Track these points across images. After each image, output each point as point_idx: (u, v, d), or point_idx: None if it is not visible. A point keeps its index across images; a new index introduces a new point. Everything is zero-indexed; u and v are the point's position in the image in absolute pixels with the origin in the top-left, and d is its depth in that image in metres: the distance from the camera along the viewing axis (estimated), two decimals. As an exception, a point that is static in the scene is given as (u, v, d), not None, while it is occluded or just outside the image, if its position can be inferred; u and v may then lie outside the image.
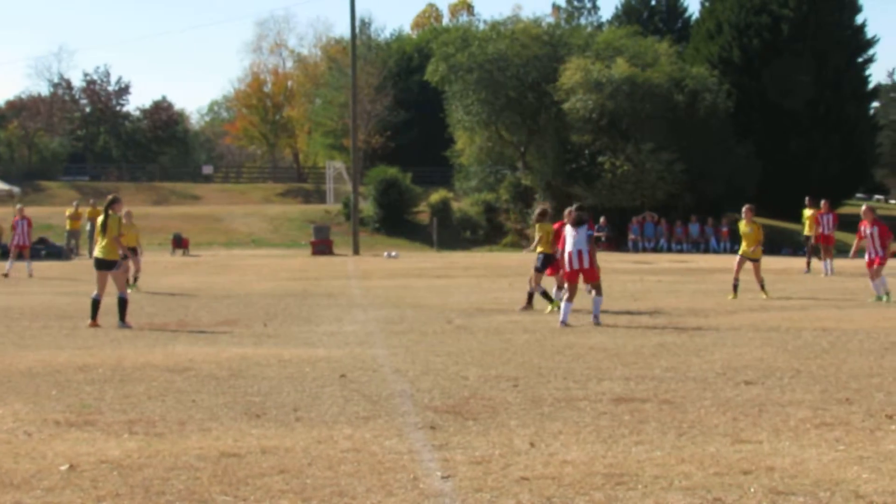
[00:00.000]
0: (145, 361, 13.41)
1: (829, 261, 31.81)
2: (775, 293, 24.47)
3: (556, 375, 12.15)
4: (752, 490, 7.22)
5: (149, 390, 11.28)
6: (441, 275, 33.43)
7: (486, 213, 61.05)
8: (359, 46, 67.79)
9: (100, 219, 18.55)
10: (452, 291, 25.98)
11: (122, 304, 18.07)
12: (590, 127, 57.01)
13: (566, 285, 18.59)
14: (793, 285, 27.82)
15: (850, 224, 37.87)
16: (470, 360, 13.46)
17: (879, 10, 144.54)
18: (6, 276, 31.60)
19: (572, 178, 56.61)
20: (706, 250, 53.37)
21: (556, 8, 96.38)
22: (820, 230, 32.84)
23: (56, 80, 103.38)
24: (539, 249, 20.98)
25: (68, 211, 47.08)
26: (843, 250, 38.58)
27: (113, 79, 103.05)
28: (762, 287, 23.57)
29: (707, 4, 68.23)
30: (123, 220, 27.09)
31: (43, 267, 36.23)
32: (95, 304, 18.01)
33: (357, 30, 62.97)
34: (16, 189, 51.53)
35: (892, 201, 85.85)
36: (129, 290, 23.13)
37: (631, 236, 53.89)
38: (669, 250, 53.28)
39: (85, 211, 42.85)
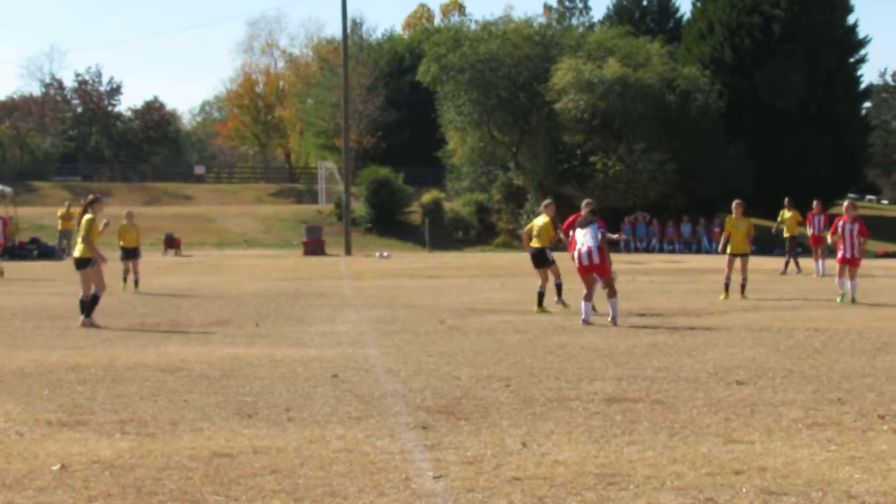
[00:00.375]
0: (137, 361, 13.39)
1: (821, 261, 31.80)
2: (768, 294, 24.54)
3: (548, 375, 12.15)
4: (744, 490, 7.22)
5: (141, 390, 11.26)
6: (433, 275, 33.44)
7: (478, 213, 61.09)
8: (350, 47, 67.80)
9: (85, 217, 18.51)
10: (444, 292, 25.98)
11: (94, 300, 18.00)
12: (582, 127, 57.06)
13: (584, 283, 18.53)
14: (784, 285, 27.87)
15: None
16: (462, 360, 13.46)
17: (871, 11, 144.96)
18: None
19: (564, 179, 56.65)
20: (698, 250, 53.49)
21: (547, 8, 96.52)
22: (812, 231, 32.83)
23: (48, 80, 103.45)
24: (536, 244, 20.72)
25: (60, 211, 47.05)
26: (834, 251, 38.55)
27: (105, 79, 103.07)
28: (743, 288, 23.42)
29: (699, 4, 68.34)
30: (124, 221, 27.26)
31: (35, 267, 36.20)
32: (83, 304, 18.01)
33: (348, 30, 62.95)
34: (8, 189, 51.35)
35: (885, 201, 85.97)
36: (122, 290, 23.17)
37: (623, 236, 53.92)
38: (661, 250, 53.37)
39: (77, 211, 42.81)
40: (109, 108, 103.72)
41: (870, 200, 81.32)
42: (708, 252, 51.70)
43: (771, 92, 59.88)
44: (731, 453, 8.26)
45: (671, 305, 21.63)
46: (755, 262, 28.31)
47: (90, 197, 19.27)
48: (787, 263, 33.22)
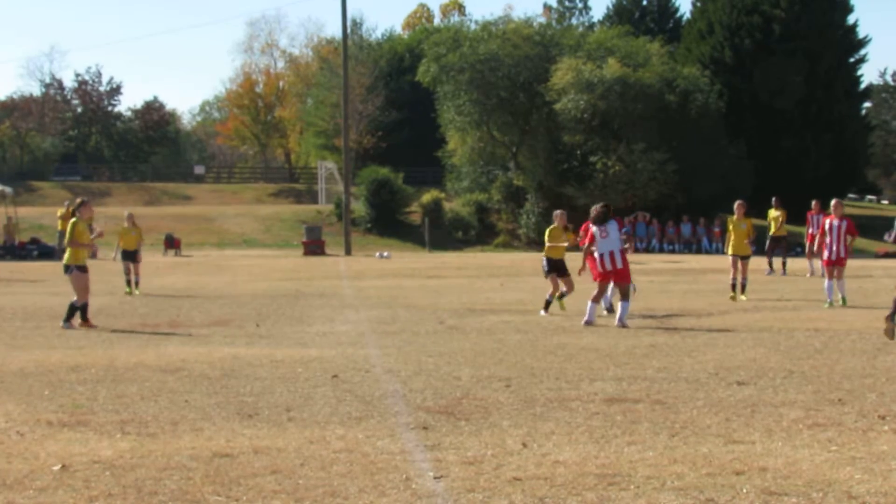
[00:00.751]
0: (138, 361, 13.39)
1: (815, 260, 31.67)
2: (768, 294, 24.52)
3: (548, 376, 12.15)
4: (745, 490, 7.22)
5: (141, 390, 11.26)
6: (433, 275, 33.44)
7: (478, 213, 61.11)
8: (350, 47, 67.79)
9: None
10: (444, 292, 25.97)
11: (71, 309, 17.89)
12: (581, 127, 57.06)
13: (597, 286, 18.47)
14: (785, 285, 27.87)
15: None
16: (462, 361, 13.45)
17: (871, 10, 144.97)
18: None
19: (564, 179, 56.65)
20: (698, 250, 53.49)
21: (547, 8, 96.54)
22: (810, 231, 32.67)
23: (48, 80, 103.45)
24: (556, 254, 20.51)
25: (60, 211, 47.04)
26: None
27: (104, 79, 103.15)
28: (743, 288, 23.34)
29: (699, 4, 68.36)
30: (126, 224, 27.18)
31: (35, 267, 36.20)
32: (71, 307, 17.96)
33: (348, 30, 62.93)
34: (8, 189, 51.35)
35: (885, 201, 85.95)
36: (128, 293, 23.17)
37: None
38: (661, 250, 53.36)
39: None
40: (109, 108, 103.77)
41: (870, 200, 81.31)
42: (708, 252, 51.73)
43: (771, 92, 59.88)
44: (732, 454, 8.26)
45: (671, 306, 21.63)
46: (756, 262, 28.24)
47: (77, 200, 19.16)
48: (770, 263, 33.09)
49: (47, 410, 10.17)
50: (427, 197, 61.26)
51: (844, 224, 22.11)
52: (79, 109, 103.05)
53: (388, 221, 60.87)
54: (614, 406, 10.27)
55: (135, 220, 27.59)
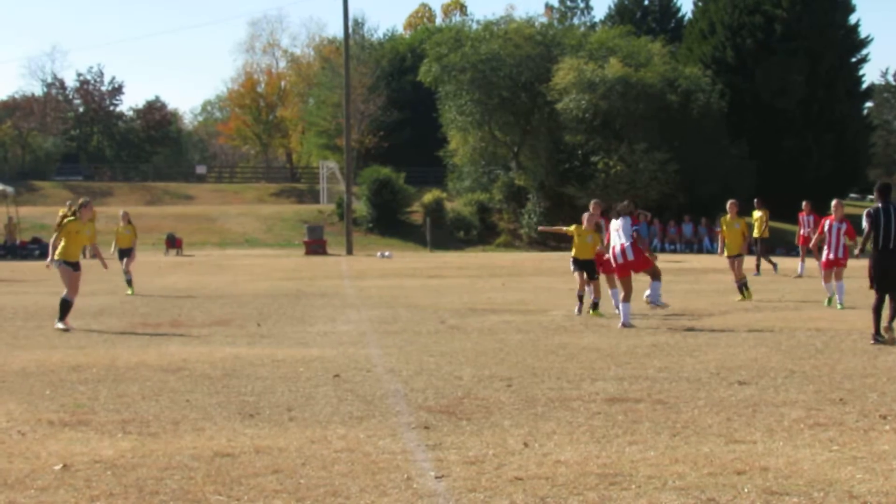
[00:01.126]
0: (139, 361, 13.39)
1: (806, 261, 31.55)
2: (769, 294, 24.51)
3: (549, 375, 12.15)
4: (746, 490, 7.22)
5: (142, 390, 11.26)
6: (434, 275, 33.44)
7: (480, 213, 61.11)
8: (352, 46, 67.78)
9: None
10: (446, 291, 25.97)
11: (63, 304, 17.80)
12: (583, 127, 57.04)
13: (618, 283, 18.40)
14: (785, 286, 27.86)
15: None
16: (463, 360, 13.46)
17: (873, 10, 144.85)
18: None
19: (566, 178, 56.65)
20: (699, 250, 53.51)
21: (549, 8, 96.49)
22: (802, 231, 32.39)
23: (49, 80, 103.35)
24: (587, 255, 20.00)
25: (61, 211, 46.95)
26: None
27: (106, 79, 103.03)
28: (741, 288, 23.28)
29: (700, 4, 68.31)
30: (121, 223, 27.16)
31: (36, 267, 36.15)
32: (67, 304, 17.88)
33: (350, 30, 62.92)
34: (9, 189, 51.38)
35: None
36: (131, 294, 23.20)
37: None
38: (663, 250, 53.34)
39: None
40: (111, 108, 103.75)
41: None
42: (709, 252, 51.68)
43: (772, 92, 59.87)
44: (733, 453, 8.26)
45: (673, 305, 21.60)
46: (750, 262, 28.23)
47: (80, 200, 19.08)
48: (758, 265, 32.83)
49: (48, 410, 10.17)
50: (428, 197, 61.27)
51: (844, 226, 21.99)
52: (80, 109, 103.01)
53: (389, 221, 60.89)
54: (616, 406, 10.27)
55: (129, 219, 27.55)
